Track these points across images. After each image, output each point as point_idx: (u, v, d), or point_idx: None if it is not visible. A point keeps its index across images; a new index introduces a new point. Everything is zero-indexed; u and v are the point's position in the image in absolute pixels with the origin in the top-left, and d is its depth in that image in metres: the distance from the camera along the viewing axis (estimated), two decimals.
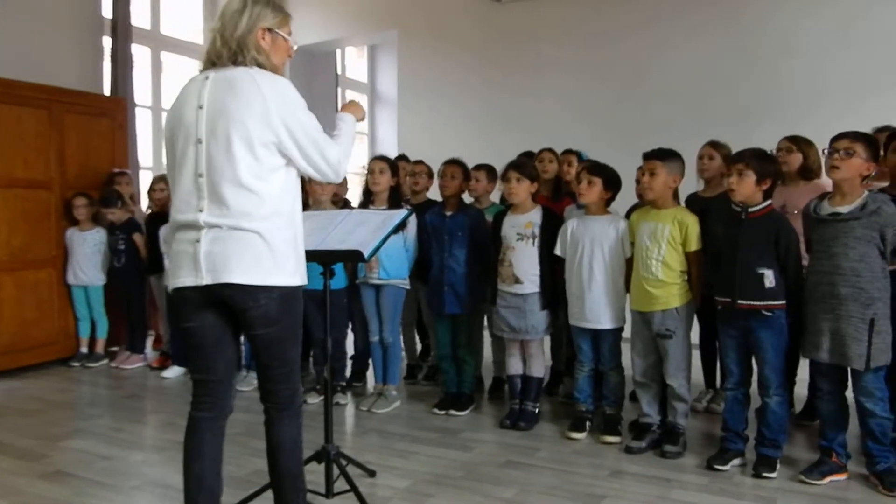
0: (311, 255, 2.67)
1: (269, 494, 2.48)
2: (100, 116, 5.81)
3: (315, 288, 2.85)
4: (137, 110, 6.74)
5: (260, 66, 2.21)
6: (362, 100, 9.68)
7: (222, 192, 2.15)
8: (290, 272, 2.24)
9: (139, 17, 6.97)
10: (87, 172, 5.62)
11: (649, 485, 3.05)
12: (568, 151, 4.49)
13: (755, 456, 3.18)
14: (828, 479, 3.03)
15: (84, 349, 5.48)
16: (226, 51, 2.20)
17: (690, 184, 4.02)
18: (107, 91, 6.40)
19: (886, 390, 2.98)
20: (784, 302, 3.08)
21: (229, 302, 2.19)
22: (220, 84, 2.18)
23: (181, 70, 7.73)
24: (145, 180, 6.91)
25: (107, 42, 6.45)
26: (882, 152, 3.35)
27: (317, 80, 7.81)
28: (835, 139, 3.03)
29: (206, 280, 2.16)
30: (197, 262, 2.16)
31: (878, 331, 2.90)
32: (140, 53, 7.04)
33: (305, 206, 4.05)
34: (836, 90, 5.30)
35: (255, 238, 2.16)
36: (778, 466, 3.13)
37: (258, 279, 2.16)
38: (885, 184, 3.32)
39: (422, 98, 7.19)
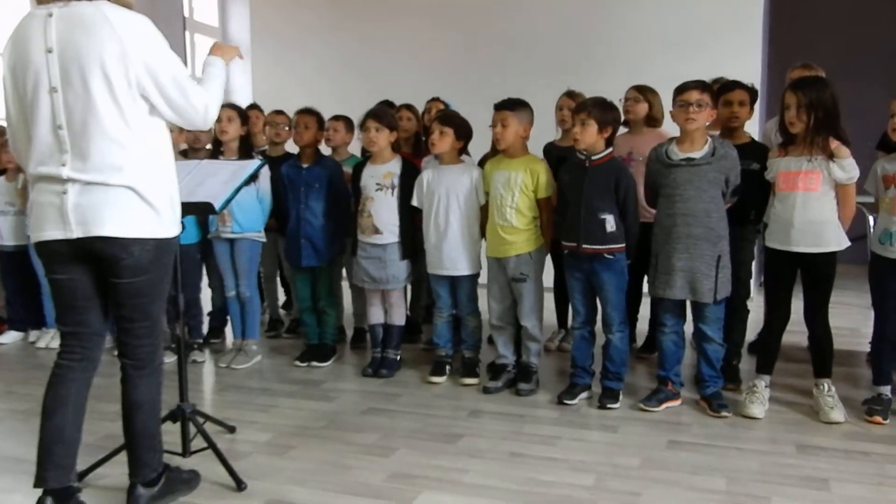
0: None
1: (121, 458, 2.40)
2: None
3: None
4: None
5: (118, 3, 2.06)
6: None
7: (87, 146, 2.03)
8: (166, 223, 2.18)
9: None
10: None
11: (505, 422, 3.20)
12: (434, 99, 4.51)
13: (601, 389, 3.41)
14: (664, 405, 3.30)
15: None
16: None
17: (550, 132, 4.16)
18: None
19: (723, 320, 3.29)
20: (624, 245, 3.29)
21: (100, 254, 2.11)
22: (68, 22, 2.01)
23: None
24: None
25: None
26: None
27: (161, 24, 7.24)
28: (682, 91, 3.17)
29: (75, 233, 2.07)
30: (64, 215, 2.06)
31: (723, 266, 3.18)
32: None
33: None
34: (674, 41, 5.59)
35: (126, 192, 2.07)
36: (621, 397, 3.38)
37: (133, 231, 2.09)
38: (716, 132, 3.57)
39: (277, 43, 6.92)
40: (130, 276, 2.14)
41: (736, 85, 3.51)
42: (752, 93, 3.53)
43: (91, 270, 2.17)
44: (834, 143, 3.03)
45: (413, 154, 4.25)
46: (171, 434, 2.70)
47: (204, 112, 2.20)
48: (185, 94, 2.14)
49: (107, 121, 2.03)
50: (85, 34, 2.00)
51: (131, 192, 2.08)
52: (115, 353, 2.26)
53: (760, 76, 5.34)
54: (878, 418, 3.09)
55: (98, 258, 2.13)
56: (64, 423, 2.19)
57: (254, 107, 4.91)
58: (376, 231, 3.75)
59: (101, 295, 2.23)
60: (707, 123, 3.19)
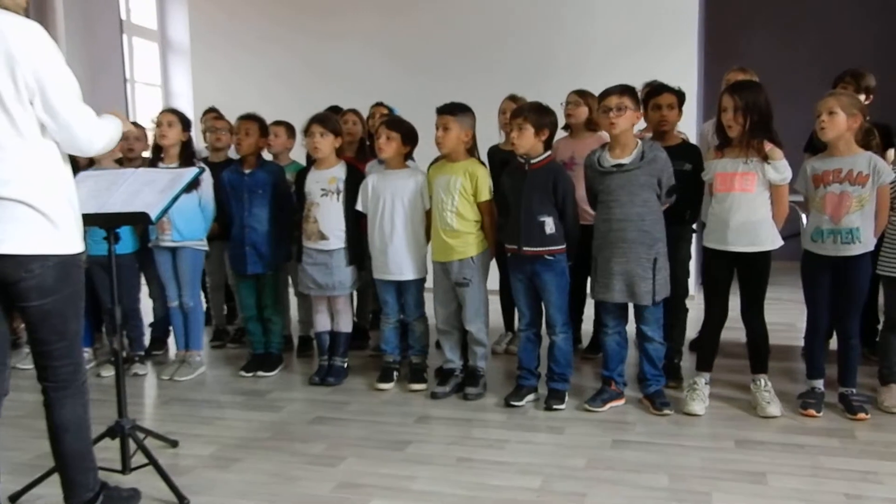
0: (91, 219, 2.51)
1: (58, 478, 2.32)
2: None
3: (101, 254, 2.67)
4: None
5: (3, 7, 1.98)
6: (152, 48, 8.99)
7: None
8: (68, 238, 2.08)
9: None
10: None
11: (453, 426, 3.21)
12: (378, 104, 4.49)
13: (547, 390, 3.44)
14: (608, 405, 3.35)
15: None
16: None
17: (496, 136, 4.18)
18: None
19: (663, 319, 3.35)
20: (564, 246, 3.33)
21: None
22: None
23: None
24: None
25: None
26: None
27: (97, 26, 7.10)
28: (603, 97, 3.24)
29: None
30: None
31: (660, 268, 3.24)
32: None
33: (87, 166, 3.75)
34: (614, 45, 5.66)
35: (20, 207, 1.98)
36: (566, 398, 3.41)
37: (31, 248, 2.00)
38: (649, 135, 3.65)
39: (218, 45, 6.78)
40: (38, 299, 2.05)
41: (664, 89, 3.58)
42: (679, 96, 3.60)
43: None
44: (768, 146, 3.12)
45: (357, 158, 4.23)
46: (110, 451, 2.64)
47: (89, 139, 2.08)
48: (75, 111, 2.04)
49: None
50: None
51: (25, 206, 1.98)
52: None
53: (696, 79, 5.48)
54: (812, 411, 3.20)
55: None
56: None
57: (211, 110, 4.82)
58: (322, 237, 3.72)
59: (1, 319, 2.11)
60: (634, 126, 3.28)
